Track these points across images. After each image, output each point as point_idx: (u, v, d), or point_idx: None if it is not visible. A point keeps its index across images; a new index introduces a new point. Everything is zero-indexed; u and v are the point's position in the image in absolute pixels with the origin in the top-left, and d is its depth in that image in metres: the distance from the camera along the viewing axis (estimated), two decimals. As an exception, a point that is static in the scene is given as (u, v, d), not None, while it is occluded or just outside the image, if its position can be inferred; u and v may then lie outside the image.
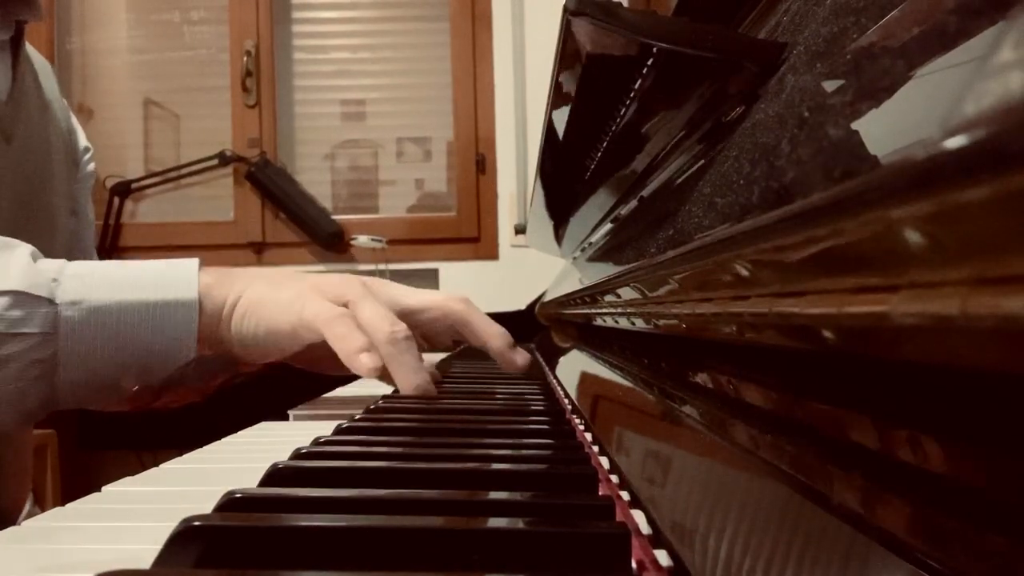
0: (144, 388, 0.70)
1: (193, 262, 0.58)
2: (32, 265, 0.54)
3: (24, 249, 0.55)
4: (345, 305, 0.60)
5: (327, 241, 2.31)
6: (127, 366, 0.55)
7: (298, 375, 0.87)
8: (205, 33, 2.43)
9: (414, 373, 0.60)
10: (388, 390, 0.68)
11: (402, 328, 0.60)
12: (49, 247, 0.77)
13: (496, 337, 0.67)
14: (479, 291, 2.27)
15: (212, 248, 2.34)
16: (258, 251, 2.35)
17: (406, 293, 0.66)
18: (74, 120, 0.90)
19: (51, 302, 0.52)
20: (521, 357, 0.67)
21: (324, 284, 0.61)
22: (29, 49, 0.80)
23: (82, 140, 0.90)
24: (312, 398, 0.73)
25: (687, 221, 0.31)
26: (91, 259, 0.90)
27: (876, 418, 0.17)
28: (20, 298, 0.52)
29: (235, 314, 0.58)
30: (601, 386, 0.57)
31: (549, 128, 0.60)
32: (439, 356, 1.10)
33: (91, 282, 0.54)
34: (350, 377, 0.77)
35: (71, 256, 0.83)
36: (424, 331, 0.68)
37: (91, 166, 0.92)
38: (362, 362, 0.57)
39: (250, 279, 0.60)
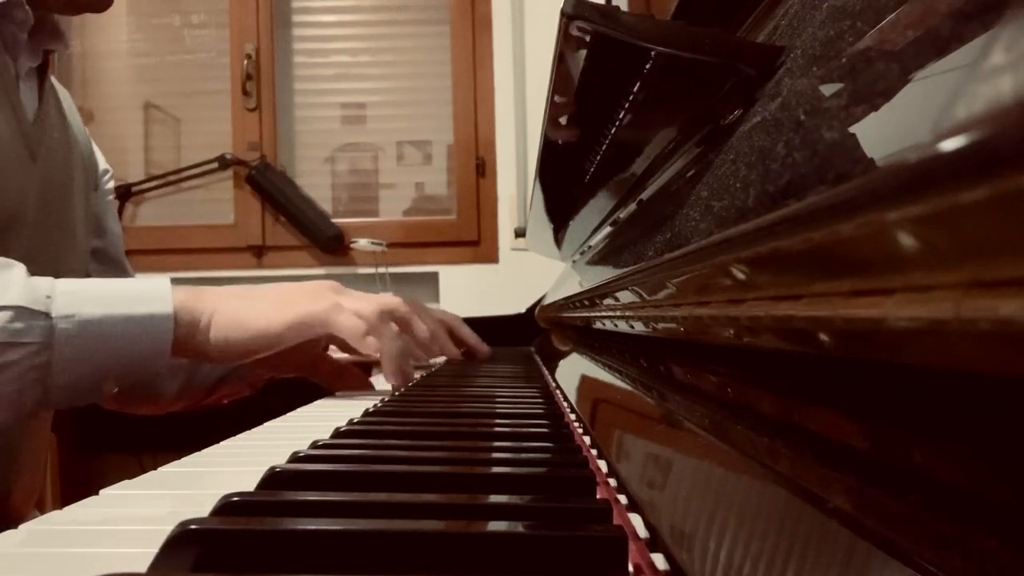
0: (196, 386, 0.78)
1: (165, 280, 0.67)
2: (29, 282, 0.61)
3: (20, 268, 0.62)
4: None
5: (327, 244, 2.31)
6: (110, 370, 0.63)
7: (299, 380, 0.87)
8: (205, 37, 2.43)
9: (392, 341, 0.74)
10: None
11: (379, 307, 0.74)
12: (70, 260, 0.82)
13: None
14: (479, 294, 2.27)
15: (212, 251, 2.34)
16: (258, 254, 2.35)
17: (356, 296, 0.79)
18: (94, 144, 0.95)
19: (47, 316, 0.60)
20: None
21: (301, 290, 0.73)
22: (52, 79, 0.85)
23: (101, 163, 0.96)
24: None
25: (685, 224, 0.31)
26: (124, 268, 0.98)
27: (874, 421, 0.17)
28: (21, 312, 0.59)
29: (213, 325, 0.68)
30: (600, 389, 0.57)
31: (548, 131, 0.60)
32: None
33: (81, 298, 0.61)
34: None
35: (93, 268, 0.88)
36: None
37: (110, 184, 0.98)
38: (369, 344, 0.72)
39: (222, 294, 0.70)
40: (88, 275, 0.88)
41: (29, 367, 0.59)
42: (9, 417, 0.61)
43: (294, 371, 0.87)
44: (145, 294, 0.64)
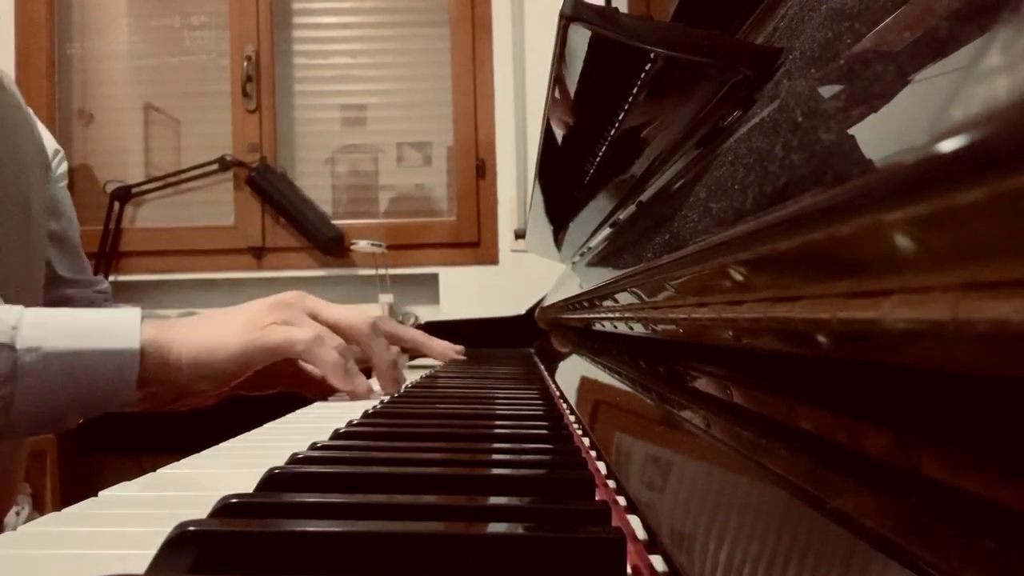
0: (160, 392, 0.77)
1: (136, 313, 0.65)
2: None
3: None
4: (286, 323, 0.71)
5: (327, 246, 2.31)
6: (73, 404, 0.62)
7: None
8: (205, 38, 2.43)
9: (335, 368, 0.72)
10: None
11: (327, 332, 0.72)
12: (25, 240, 0.81)
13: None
14: (479, 296, 2.27)
15: (212, 253, 2.34)
16: (258, 256, 2.35)
17: (327, 307, 0.77)
18: (41, 127, 0.94)
19: (11, 348, 0.59)
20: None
21: (266, 310, 0.71)
22: None
23: (51, 144, 0.95)
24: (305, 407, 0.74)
25: (684, 226, 0.31)
26: (80, 254, 0.96)
27: (872, 422, 0.17)
28: None
29: (182, 357, 0.66)
30: (599, 391, 0.57)
31: (547, 133, 0.60)
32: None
33: (47, 331, 0.61)
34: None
35: (52, 252, 0.86)
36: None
37: (63, 166, 0.97)
38: (345, 381, 0.71)
39: (189, 325, 0.69)
40: (47, 259, 0.89)
41: None
42: None
43: (279, 388, 0.86)
44: (113, 328, 0.63)
